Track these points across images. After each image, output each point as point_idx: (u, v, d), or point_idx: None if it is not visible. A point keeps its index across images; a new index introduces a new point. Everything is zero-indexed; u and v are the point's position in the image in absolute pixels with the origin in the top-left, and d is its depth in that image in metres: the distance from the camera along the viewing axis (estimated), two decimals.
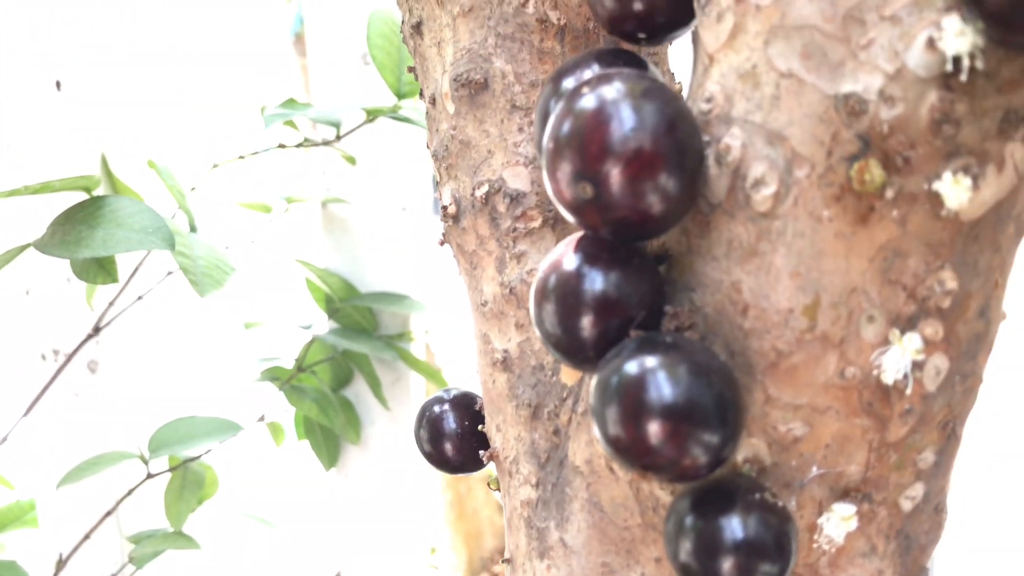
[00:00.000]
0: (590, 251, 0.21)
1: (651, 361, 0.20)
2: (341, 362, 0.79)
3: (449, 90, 0.28)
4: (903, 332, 0.20)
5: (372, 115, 0.61)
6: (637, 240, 0.21)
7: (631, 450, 0.19)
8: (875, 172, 0.18)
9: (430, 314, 0.81)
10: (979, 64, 0.17)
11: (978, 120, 0.18)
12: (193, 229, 0.59)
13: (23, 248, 0.51)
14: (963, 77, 0.17)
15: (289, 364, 0.79)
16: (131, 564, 0.73)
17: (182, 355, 0.84)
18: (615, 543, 0.25)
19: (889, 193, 0.18)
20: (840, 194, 0.19)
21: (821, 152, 0.19)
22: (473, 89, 0.27)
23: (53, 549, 0.83)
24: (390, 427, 0.82)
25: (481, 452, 0.30)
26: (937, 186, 0.18)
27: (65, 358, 0.74)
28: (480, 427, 0.31)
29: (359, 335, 0.77)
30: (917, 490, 0.22)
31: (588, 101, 0.19)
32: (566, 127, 0.19)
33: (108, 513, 0.74)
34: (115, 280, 0.50)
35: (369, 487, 0.84)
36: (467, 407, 0.31)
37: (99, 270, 0.51)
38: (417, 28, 0.29)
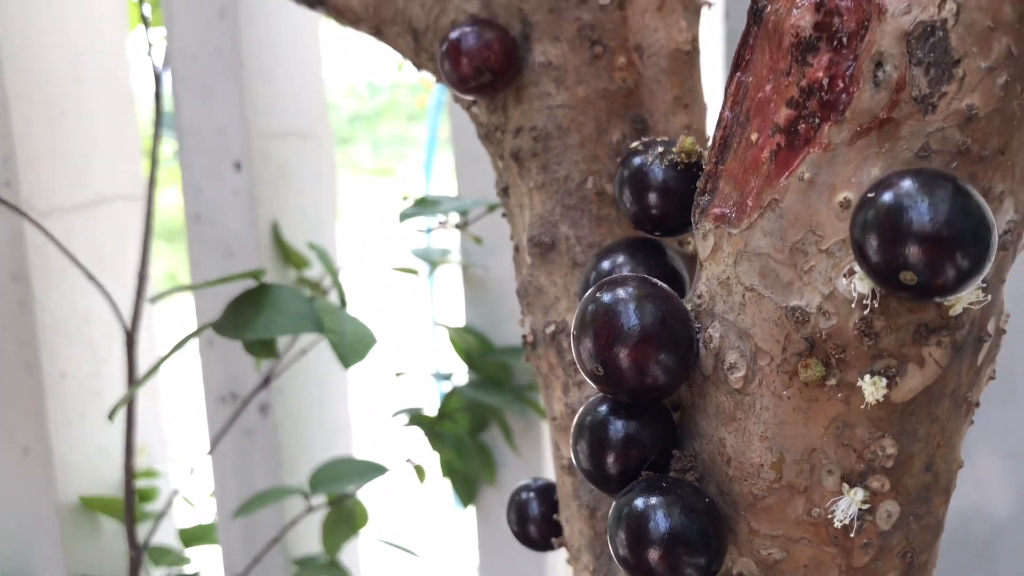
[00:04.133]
0: (614, 404, 0.27)
1: (652, 500, 0.26)
2: (478, 410, 0.87)
3: (527, 246, 0.35)
4: (853, 485, 0.25)
5: (492, 208, 0.68)
6: (643, 401, 0.27)
7: (635, 569, 0.25)
8: (815, 368, 0.23)
9: None
10: (876, 303, 0.22)
11: (894, 332, 0.23)
12: (344, 304, 0.68)
13: (206, 327, 0.62)
14: (874, 305, 0.22)
15: (432, 411, 0.87)
16: None
17: (340, 400, 0.95)
18: None
19: (831, 381, 0.24)
20: (796, 383, 0.24)
21: (778, 348, 0.24)
22: (543, 248, 0.34)
23: (229, 568, 0.95)
24: (522, 470, 0.89)
25: (554, 539, 0.36)
26: (860, 384, 0.23)
27: (241, 402, 0.85)
28: (556, 515, 0.37)
29: (494, 387, 0.85)
30: None
31: (602, 300, 0.26)
32: (585, 319, 0.26)
33: (275, 540, 0.85)
34: (275, 356, 0.59)
35: (503, 523, 0.92)
36: (548, 496, 0.38)
37: (262, 348, 0.61)
38: (505, 191, 0.36)
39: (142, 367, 0.81)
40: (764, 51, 0.24)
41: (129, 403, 0.77)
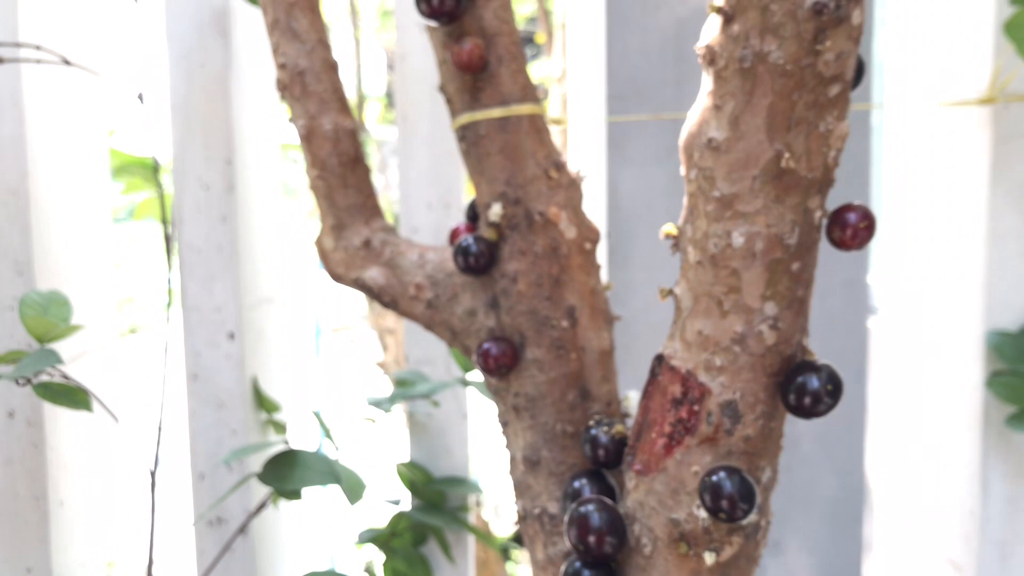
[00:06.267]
0: (583, 561, 0.54)
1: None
2: (420, 528, 1.11)
3: (521, 459, 0.61)
4: None
5: (448, 385, 0.95)
6: (601, 561, 0.53)
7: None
8: (683, 547, 0.50)
9: (484, 490, 1.13)
10: (710, 520, 0.49)
11: (718, 532, 0.50)
12: (337, 457, 0.92)
13: (248, 478, 0.84)
14: (709, 520, 0.49)
15: (384, 529, 1.11)
16: None
17: (308, 522, 1.16)
18: None
19: (691, 553, 0.51)
20: (675, 554, 0.51)
21: (666, 536, 0.51)
22: (531, 463, 0.60)
23: None
24: (454, 574, 1.13)
25: None
26: (704, 555, 0.50)
27: (232, 531, 1.06)
28: None
29: (433, 510, 1.09)
30: None
31: (581, 510, 0.52)
32: (573, 519, 0.52)
33: None
34: (300, 498, 0.82)
35: None
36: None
37: (294, 494, 0.84)
38: (505, 424, 0.62)
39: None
40: (657, 395, 0.52)
41: (152, 521, 0.97)
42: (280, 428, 1.17)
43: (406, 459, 1.12)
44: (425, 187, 1.09)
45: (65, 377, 0.88)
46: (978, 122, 1.12)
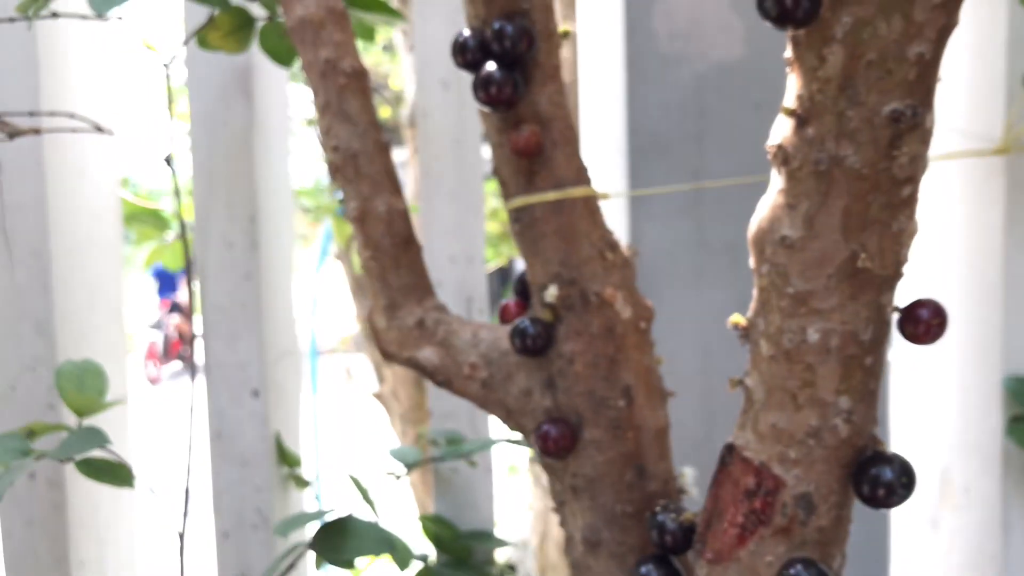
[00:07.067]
0: None
1: None
2: None
3: (580, 540, 0.61)
4: None
5: (486, 446, 0.95)
6: None
7: None
8: None
9: (508, 547, 1.13)
10: None
11: None
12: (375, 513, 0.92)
13: (298, 548, 0.83)
14: None
15: None
16: None
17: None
18: None
19: None
20: None
21: None
22: (591, 544, 0.60)
23: None
24: None
25: None
26: None
27: None
28: None
29: (458, 565, 1.09)
30: None
31: None
32: None
33: None
34: (352, 567, 0.82)
35: None
36: None
37: (347, 564, 0.84)
38: (562, 504, 0.63)
39: None
40: (728, 484, 0.52)
41: None
42: (302, 483, 1.17)
43: (431, 513, 1.12)
44: (448, 241, 1.09)
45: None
46: (992, 171, 1.14)
